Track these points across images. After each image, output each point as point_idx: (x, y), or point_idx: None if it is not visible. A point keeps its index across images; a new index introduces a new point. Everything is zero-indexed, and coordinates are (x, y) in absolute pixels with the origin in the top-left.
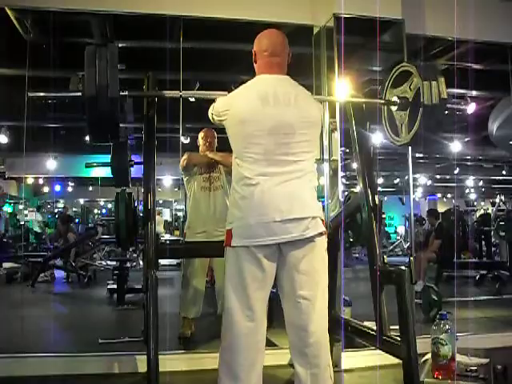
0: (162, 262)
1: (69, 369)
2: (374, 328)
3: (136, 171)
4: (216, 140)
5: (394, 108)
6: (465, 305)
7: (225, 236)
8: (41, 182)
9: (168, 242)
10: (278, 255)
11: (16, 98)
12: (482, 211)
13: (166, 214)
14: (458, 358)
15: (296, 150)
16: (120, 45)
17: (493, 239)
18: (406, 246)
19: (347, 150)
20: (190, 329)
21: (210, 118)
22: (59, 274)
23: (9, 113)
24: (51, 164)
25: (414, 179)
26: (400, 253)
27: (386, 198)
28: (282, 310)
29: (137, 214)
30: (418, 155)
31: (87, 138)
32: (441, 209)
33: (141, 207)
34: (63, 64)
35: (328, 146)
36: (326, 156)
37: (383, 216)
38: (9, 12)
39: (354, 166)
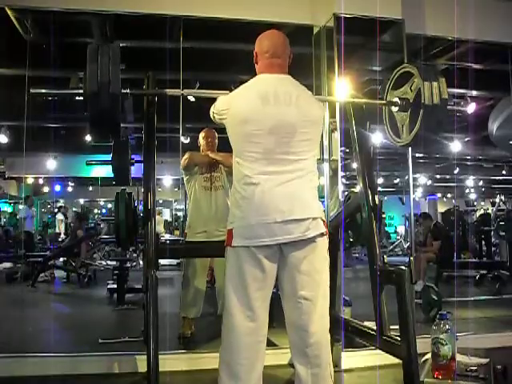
0: (162, 261)
1: (69, 369)
2: (374, 328)
3: (136, 171)
4: (217, 140)
5: (394, 109)
6: (465, 305)
7: (226, 236)
8: (41, 181)
9: (168, 241)
10: (279, 256)
11: (16, 98)
12: (481, 211)
13: (166, 214)
14: (458, 357)
15: (297, 149)
16: (120, 45)
17: (493, 239)
18: (406, 246)
19: (347, 150)
20: (190, 329)
21: (212, 116)
22: (59, 273)
23: (9, 113)
24: (51, 164)
25: (414, 179)
26: (400, 253)
27: (385, 198)
28: (282, 310)
29: (137, 214)
30: (417, 155)
31: (88, 137)
32: (441, 209)
33: (141, 207)
34: (63, 64)
35: (328, 145)
36: (326, 156)
37: (383, 216)
38: (9, 12)
39: (354, 165)
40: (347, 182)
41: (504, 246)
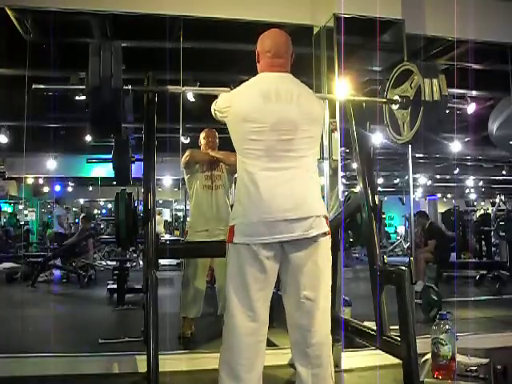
0: (162, 261)
1: (69, 369)
2: (374, 328)
3: (136, 171)
4: (217, 140)
5: (395, 107)
6: (465, 305)
7: (227, 232)
8: (41, 181)
9: (168, 241)
10: (281, 255)
11: (16, 98)
12: (482, 211)
13: (166, 214)
14: (458, 357)
15: (298, 147)
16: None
17: (493, 239)
18: (405, 246)
19: (347, 150)
20: (190, 329)
21: (213, 114)
22: (59, 274)
23: (9, 113)
24: (51, 164)
25: (414, 179)
26: (400, 253)
27: (385, 198)
28: (282, 310)
29: (137, 214)
30: (417, 155)
31: (88, 137)
32: (441, 209)
33: (141, 207)
34: (63, 64)
35: (328, 145)
36: (326, 155)
37: (383, 216)
38: (9, 12)
39: (354, 166)
40: (347, 182)
41: (504, 246)
